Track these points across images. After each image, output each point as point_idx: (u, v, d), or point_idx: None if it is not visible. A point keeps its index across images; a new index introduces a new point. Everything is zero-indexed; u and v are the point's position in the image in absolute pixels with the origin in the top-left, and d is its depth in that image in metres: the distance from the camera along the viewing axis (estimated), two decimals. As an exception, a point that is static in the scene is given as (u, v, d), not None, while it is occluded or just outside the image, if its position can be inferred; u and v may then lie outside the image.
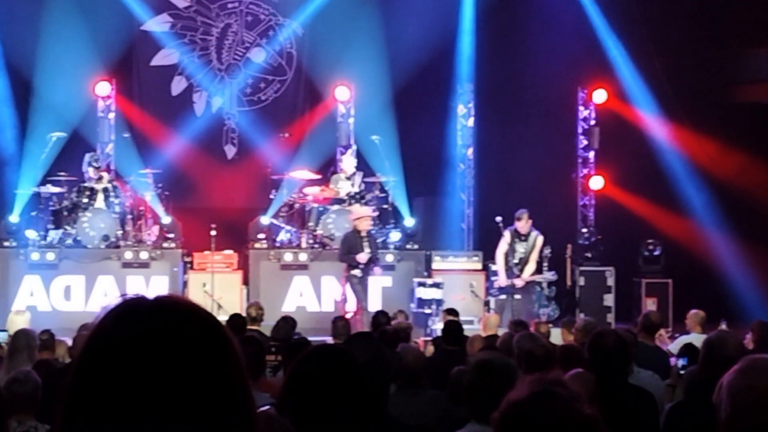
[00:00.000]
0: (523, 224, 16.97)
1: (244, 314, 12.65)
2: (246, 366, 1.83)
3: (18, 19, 19.70)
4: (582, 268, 19.19)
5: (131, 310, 1.78)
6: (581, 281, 19.08)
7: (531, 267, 17.08)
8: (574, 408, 2.55)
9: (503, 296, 17.39)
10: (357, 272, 16.54)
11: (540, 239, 17.09)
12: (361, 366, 4.02)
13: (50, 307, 17.73)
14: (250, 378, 5.49)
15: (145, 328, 1.74)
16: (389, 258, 18.33)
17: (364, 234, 16.58)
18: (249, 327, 11.17)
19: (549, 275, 17.62)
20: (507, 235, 17.05)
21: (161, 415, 1.69)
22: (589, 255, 19.55)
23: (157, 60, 21.14)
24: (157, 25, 21.03)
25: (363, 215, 16.88)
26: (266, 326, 13.28)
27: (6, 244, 18.36)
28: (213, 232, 17.51)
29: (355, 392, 3.93)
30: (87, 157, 18.40)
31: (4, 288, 18.05)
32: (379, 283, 18.19)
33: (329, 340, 11.35)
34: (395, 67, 20.00)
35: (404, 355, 7.77)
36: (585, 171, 20.54)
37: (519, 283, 16.93)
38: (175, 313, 1.78)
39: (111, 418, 1.70)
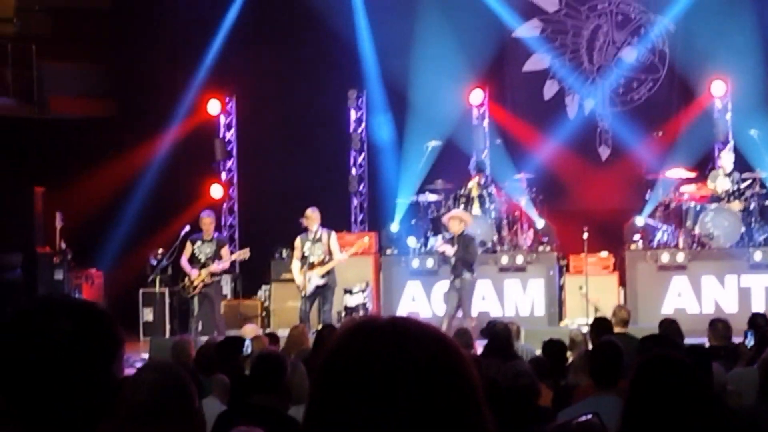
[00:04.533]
0: None
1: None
2: (479, 391, 1.82)
3: (391, 34, 20.45)
4: None
5: (363, 330, 1.84)
6: None
7: None
8: None
9: None
10: (450, 276, 16.24)
11: None
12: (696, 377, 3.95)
13: (431, 312, 18.19)
14: (604, 383, 5.43)
15: (373, 348, 1.79)
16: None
17: (456, 235, 16.11)
18: (617, 330, 11.01)
19: None
20: None
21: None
22: None
23: (529, 65, 21.33)
24: (527, 30, 21.22)
25: (453, 215, 16.46)
26: (640, 329, 13.10)
27: (388, 252, 19.10)
28: (585, 235, 17.43)
29: (698, 404, 3.86)
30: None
31: (389, 294, 18.76)
32: (762, 283, 17.57)
33: (706, 342, 11.05)
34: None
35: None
36: None
37: None
38: (405, 335, 1.81)
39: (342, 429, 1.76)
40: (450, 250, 15.99)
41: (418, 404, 1.76)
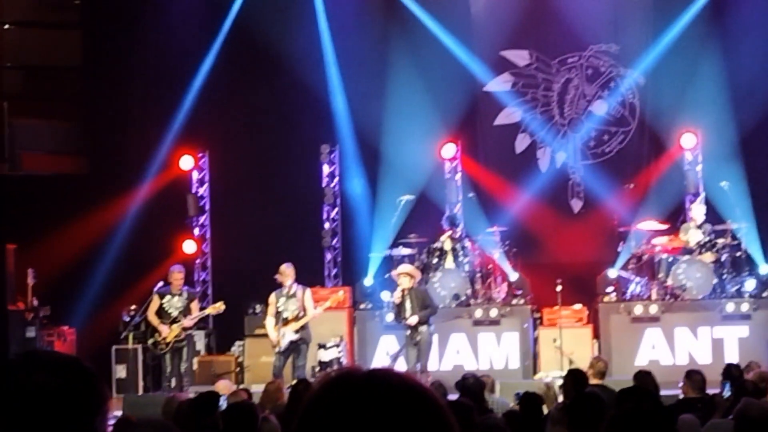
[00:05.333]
0: None
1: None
2: None
3: (364, 89, 20.57)
4: None
5: (342, 381, 1.83)
6: None
7: None
8: None
9: None
10: (405, 331, 16.13)
11: None
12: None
13: (406, 366, 18.08)
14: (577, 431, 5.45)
15: (352, 399, 1.79)
16: (744, 307, 17.69)
17: (406, 292, 16.06)
18: (593, 382, 11.01)
19: None
20: None
21: None
22: None
23: (501, 119, 21.43)
24: (498, 84, 21.35)
25: (401, 271, 16.44)
26: (615, 381, 13.08)
27: (362, 306, 19.05)
28: (558, 288, 17.48)
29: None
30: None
31: (363, 348, 18.68)
32: (735, 334, 17.62)
33: (681, 394, 11.06)
34: (741, 109, 19.40)
35: (747, 410, 7.45)
36: None
37: None
38: (383, 387, 1.81)
39: None
40: (414, 320, 15.91)
41: None
